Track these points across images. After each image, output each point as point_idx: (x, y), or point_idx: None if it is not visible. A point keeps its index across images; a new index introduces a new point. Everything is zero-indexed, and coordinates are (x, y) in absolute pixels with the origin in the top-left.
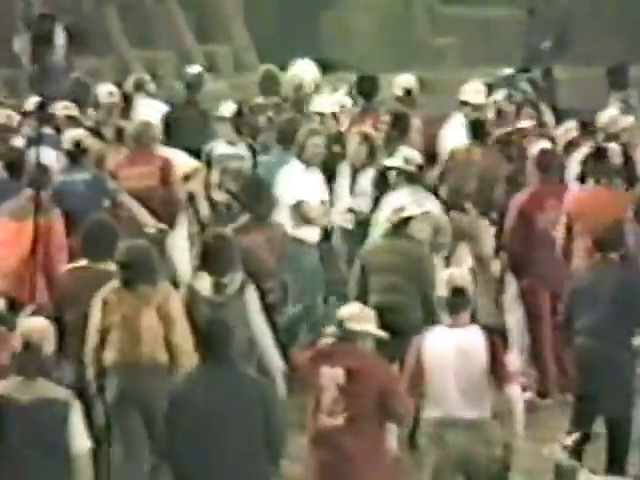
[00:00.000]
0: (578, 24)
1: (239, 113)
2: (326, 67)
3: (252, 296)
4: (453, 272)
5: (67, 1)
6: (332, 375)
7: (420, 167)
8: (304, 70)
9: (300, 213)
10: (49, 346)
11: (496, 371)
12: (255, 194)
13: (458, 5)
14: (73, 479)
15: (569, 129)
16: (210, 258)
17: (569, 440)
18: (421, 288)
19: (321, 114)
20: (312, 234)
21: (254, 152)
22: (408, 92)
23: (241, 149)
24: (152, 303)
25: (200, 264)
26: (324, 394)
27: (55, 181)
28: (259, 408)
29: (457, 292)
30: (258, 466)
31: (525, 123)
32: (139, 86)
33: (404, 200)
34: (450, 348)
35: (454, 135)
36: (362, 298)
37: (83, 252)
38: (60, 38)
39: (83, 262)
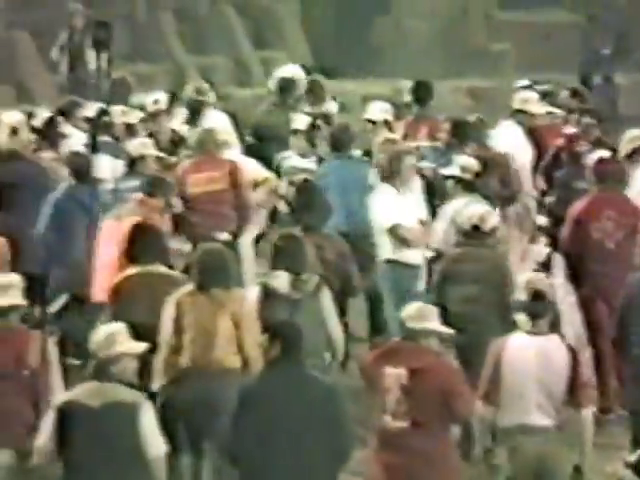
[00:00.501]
0: (638, 30)
1: (313, 126)
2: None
3: (327, 296)
4: (532, 276)
5: (123, 8)
6: (395, 375)
7: (477, 175)
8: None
9: (397, 236)
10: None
11: (576, 390)
12: (307, 203)
13: (516, 10)
14: None
15: (633, 137)
16: (285, 257)
17: (633, 457)
18: (502, 298)
19: (373, 121)
20: (414, 256)
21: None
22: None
23: (312, 163)
24: (226, 308)
25: (274, 264)
26: (388, 395)
27: (110, 188)
28: (327, 409)
29: (537, 297)
30: (325, 467)
31: (570, 129)
32: (199, 93)
33: (478, 209)
34: (531, 356)
35: (509, 143)
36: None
37: (133, 256)
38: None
39: (135, 269)
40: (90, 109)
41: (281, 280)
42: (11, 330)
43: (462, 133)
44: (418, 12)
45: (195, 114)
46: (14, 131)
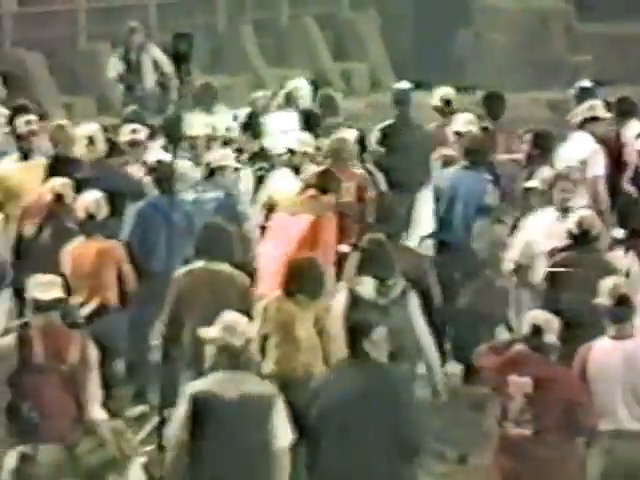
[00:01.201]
0: None
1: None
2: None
3: (414, 300)
4: (615, 281)
5: (203, 19)
6: (520, 384)
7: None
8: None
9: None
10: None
11: None
12: (386, 214)
13: (596, 22)
14: (275, 474)
15: None
16: (372, 262)
17: None
18: None
19: (460, 134)
20: None
21: None
22: (447, 102)
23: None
24: (311, 313)
25: (360, 269)
26: (512, 402)
27: (192, 199)
28: (396, 407)
29: (621, 302)
30: (393, 464)
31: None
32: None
33: (586, 214)
34: (617, 360)
35: (582, 153)
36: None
37: (199, 253)
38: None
39: (199, 264)
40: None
41: (367, 286)
42: (52, 325)
43: (545, 145)
44: (498, 24)
45: None
46: (91, 141)
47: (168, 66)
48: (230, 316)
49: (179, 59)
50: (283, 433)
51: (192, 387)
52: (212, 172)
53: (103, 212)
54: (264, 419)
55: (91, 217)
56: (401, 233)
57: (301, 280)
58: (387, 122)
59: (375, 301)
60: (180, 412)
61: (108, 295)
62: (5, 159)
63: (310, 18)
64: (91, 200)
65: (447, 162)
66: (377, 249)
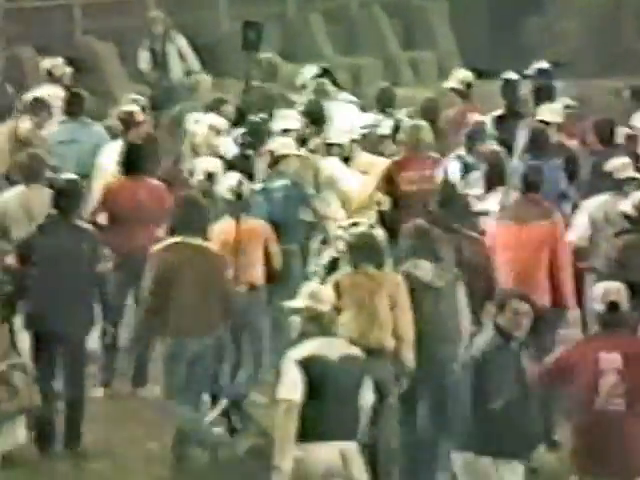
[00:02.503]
0: None
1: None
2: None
3: (462, 289)
4: (608, 285)
5: (273, 8)
6: (610, 360)
7: None
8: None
9: None
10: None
11: None
12: (445, 202)
13: None
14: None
15: None
16: (419, 249)
17: None
18: None
19: (547, 122)
20: None
21: None
22: (468, 85)
23: None
24: (384, 289)
25: (409, 254)
26: (602, 379)
27: (259, 188)
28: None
29: (612, 307)
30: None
31: None
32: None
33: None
34: None
35: None
36: None
37: (176, 228)
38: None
39: (177, 238)
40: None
41: (425, 269)
42: None
43: (607, 133)
44: (569, 12)
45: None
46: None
47: (192, 57)
48: (312, 285)
49: (248, 47)
50: (368, 394)
51: (295, 354)
52: (276, 161)
53: (247, 192)
54: (359, 379)
55: (239, 196)
56: (461, 221)
57: (365, 252)
58: (498, 112)
59: (432, 283)
60: (291, 377)
61: (255, 274)
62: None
63: (379, 7)
64: (236, 181)
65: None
66: (420, 237)
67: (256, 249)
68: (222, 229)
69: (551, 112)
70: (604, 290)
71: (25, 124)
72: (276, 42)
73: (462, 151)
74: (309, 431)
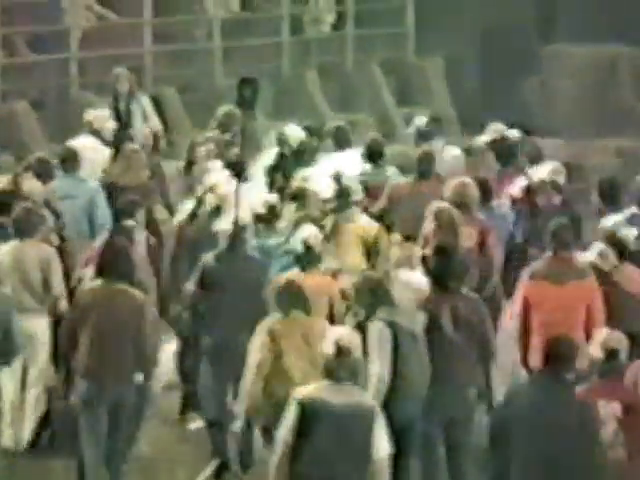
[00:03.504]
0: None
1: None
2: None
3: None
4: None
5: (268, 65)
6: (611, 409)
7: None
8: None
9: None
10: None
11: None
12: (444, 265)
13: None
14: None
15: None
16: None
17: None
18: None
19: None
20: None
21: None
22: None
23: None
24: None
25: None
26: (603, 428)
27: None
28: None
29: (611, 355)
30: None
31: None
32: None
33: None
34: None
35: None
36: None
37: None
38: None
39: (98, 282)
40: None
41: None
42: None
43: (613, 194)
44: (566, 71)
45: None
46: None
47: (155, 118)
48: (342, 332)
49: (243, 105)
50: (383, 444)
51: (299, 393)
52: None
53: (319, 245)
54: (367, 429)
55: (309, 249)
56: (459, 283)
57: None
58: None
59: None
60: (289, 417)
61: None
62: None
63: (374, 63)
64: (310, 234)
65: None
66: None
67: (322, 306)
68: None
69: (551, 172)
70: (605, 338)
71: (29, 179)
72: (271, 99)
73: None
74: (302, 476)
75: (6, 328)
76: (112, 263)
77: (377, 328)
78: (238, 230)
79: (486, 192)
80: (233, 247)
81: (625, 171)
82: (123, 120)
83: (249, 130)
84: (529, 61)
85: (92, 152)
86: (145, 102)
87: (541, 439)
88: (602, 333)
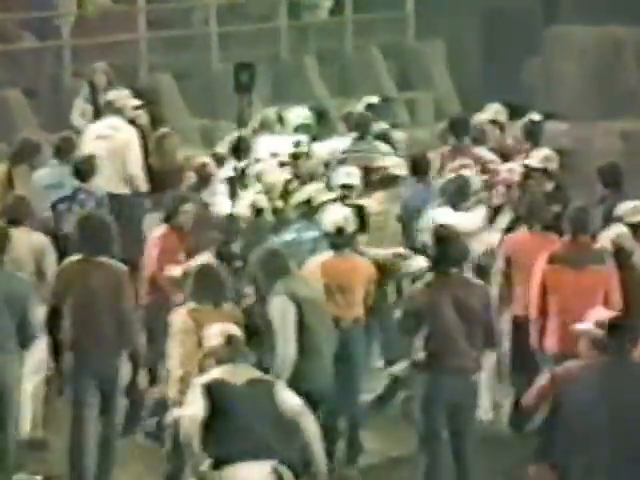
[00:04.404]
0: None
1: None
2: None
3: None
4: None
5: (266, 50)
6: None
7: None
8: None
9: None
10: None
11: None
12: (442, 250)
13: None
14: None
15: None
16: None
17: None
18: None
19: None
20: None
21: None
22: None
23: None
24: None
25: None
26: None
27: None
28: None
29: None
30: None
31: None
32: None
33: None
34: None
35: None
36: None
37: (78, 246)
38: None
39: (78, 256)
40: None
41: None
42: None
43: (613, 180)
44: (569, 54)
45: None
46: None
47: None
48: (228, 327)
49: (240, 89)
50: (292, 400)
51: (202, 378)
52: (310, 209)
53: (352, 226)
54: (271, 396)
55: (340, 231)
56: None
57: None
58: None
59: None
60: (195, 398)
61: (360, 311)
62: None
63: (375, 48)
64: (340, 215)
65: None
66: None
67: (360, 287)
68: (326, 263)
69: (542, 159)
70: (599, 315)
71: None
72: (269, 84)
73: None
74: (231, 452)
75: (24, 313)
76: (91, 236)
77: (278, 303)
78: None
79: (420, 166)
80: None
81: (629, 153)
82: (100, 113)
83: (246, 116)
84: (531, 43)
85: (120, 132)
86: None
87: (618, 416)
88: (596, 312)
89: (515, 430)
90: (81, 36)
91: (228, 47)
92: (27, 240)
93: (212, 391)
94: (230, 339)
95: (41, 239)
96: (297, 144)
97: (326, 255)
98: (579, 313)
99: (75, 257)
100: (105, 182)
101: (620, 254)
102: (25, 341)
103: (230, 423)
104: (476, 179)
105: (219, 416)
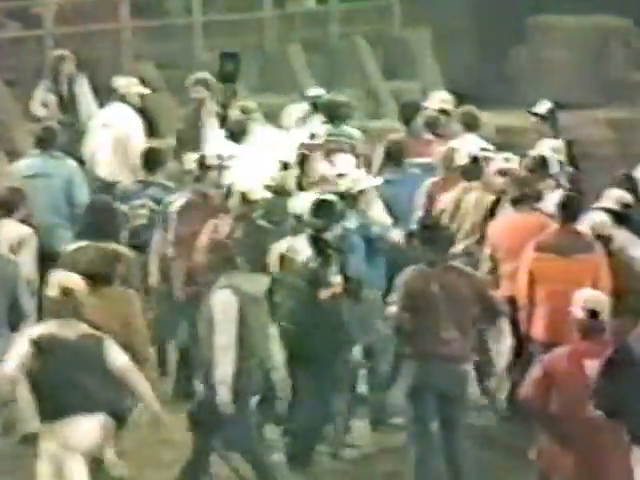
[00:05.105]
0: None
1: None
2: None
3: None
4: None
5: (251, 38)
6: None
7: None
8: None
9: None
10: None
11: None
12: (431, 238)
13: None
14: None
15: None
16: None
17: None
18: None
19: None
20: None
21: None
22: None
23: None
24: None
25: None
26: (590, 386)
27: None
28: None
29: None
30: None
31: None
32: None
33: None
34: None
35: None
36: None
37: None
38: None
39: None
40: None
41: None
42: None
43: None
44: (556, 42)
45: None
46: None
47: (93, 103)
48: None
49: (225, 78)
50: (119, 357)
51: (31, 333)
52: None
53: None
54: (99, 350)
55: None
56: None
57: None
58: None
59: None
60: (19, 350)
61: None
62: None
63: (360, 37)
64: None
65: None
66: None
67: None
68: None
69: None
70: (585, 298)
71: None
72: (254, 73)
73: None
74: (61, 406)
75: (14, 296)
76: (95, 223)
77: (222, 296)
78: None
79: (395, 152)
80: None
81: (616, 142)
82: (66, 103)
83: (231, 105)
84: (519, 32)
85: (124, 119)
86: (85, 88)
87: None
88: (581, 294)
89: (513, 415)
90: (63, 25)
91: (212, 36)
92: (14, 233)
93: (41, 345)
94: (65, 291)
95: (22, 230)
96: (312, 136)
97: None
98: (567, 301)
99: (79, 244)
100: (109, 171)
101: (600, 241)
102: (17, 322)
103: (59, 377)
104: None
105: (48, 370)
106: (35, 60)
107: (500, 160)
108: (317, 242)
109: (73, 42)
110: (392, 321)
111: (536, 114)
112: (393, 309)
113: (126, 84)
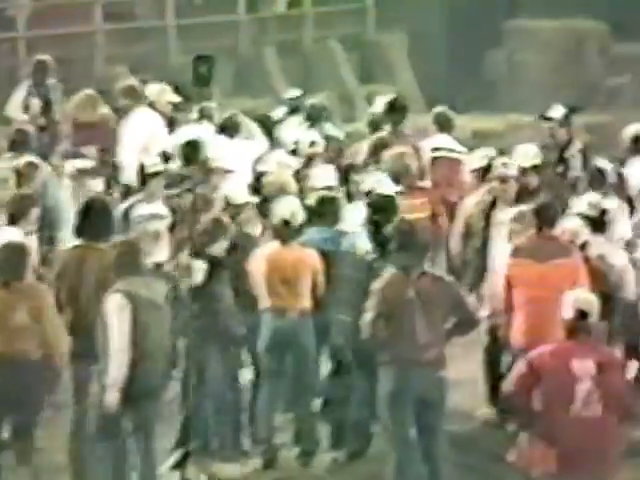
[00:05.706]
0: None
1: None
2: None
3: None
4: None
5: (226, 42)
6: (586, 367)
7: None
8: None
9: None
10: None
11: None
12: (405, 243)
13: (634, 43)
14: None
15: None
16: None
17: None
18: None
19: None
20: None
21: None
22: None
23: None
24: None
25: None
26: (577, 385)
27: None
28: None
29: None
30: None
31: None
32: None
33: None
34: None
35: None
36: None
37: (79, 231)
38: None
39: (77, 241)
40: None
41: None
42: None
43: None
44: (532, 46)
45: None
46: None
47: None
48: None
49: (199, 82)
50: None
51: None
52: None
53: (299, 219)
54: None
55: (286, 224)
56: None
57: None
58: None
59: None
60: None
61: (305, 302)
62: None
63: (335, 40)
64: (287, 208)
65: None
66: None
67: (306, 278)
68: (271, 255)
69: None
70: (576, 298)
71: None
72: (228, 76)
73: None
74: None
75: None
76: (90, 222)
77: (115, 300)
78: None
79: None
80: None
81: (593, 146)
82: (47, 110)
83: (205, 109)
84: (495, 36)
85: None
86: (58, 92)
87: None
88: (572, 294)
89: (500, 414)
90: (36, 28)
91: (186, 39)
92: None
93: None
94: None
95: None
96: (312, 143)
97: (272, 246)
98: (546, 306)
99: (73, 243)
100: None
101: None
102: None
103: None
104: None
105: None
106: (8, 62)
107: (499, 166)
108: (376, 236)
109: (47, 45)
110: (367, 328)
111: (551, 119)
112: (368, 316)
113: (158, 91)
